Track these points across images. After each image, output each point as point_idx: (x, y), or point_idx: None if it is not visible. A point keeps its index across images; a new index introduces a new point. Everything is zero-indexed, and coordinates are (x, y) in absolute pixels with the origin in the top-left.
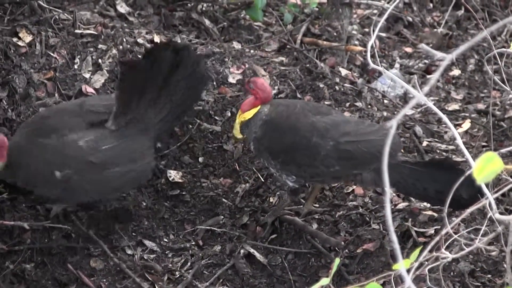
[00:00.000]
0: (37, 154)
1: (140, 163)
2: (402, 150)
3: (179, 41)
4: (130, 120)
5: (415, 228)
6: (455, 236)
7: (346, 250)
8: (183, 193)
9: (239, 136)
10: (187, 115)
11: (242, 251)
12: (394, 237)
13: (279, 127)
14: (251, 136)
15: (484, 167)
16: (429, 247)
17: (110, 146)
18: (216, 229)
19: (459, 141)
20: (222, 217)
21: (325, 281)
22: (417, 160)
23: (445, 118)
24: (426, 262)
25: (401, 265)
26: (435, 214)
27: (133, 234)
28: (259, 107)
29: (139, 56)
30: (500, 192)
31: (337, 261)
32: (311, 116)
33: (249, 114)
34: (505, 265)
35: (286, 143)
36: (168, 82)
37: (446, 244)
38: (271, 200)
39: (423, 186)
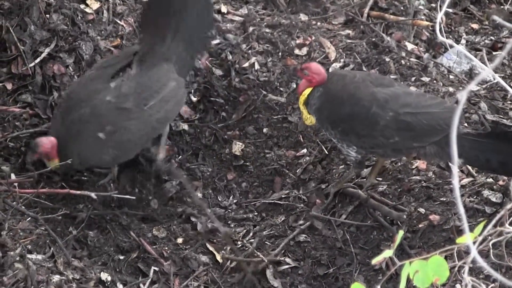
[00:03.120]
0: (77, 131)
1: (171, 87)
2: (466, 125)
3: (245, 11)
4: (148, 50)
5: (477, 206)
6: None
7: (409, 224)
8: (247, 163)
9: (309, 119)
10: (202, 45)
11: (304, 222)
12: (461, 210)
13: (337, 96)
14: (312, 109)
15: None
16: (493, 221)
17: (137, 84)
18: (278, 201)
19: None
20: (286, 190)
21: (388, 253)
22: (479, 131)
23: None
24: (490, 237)
25: (468, 238)
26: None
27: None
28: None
29: None
30: None
31: (400, 233)
32: (371, 87)
33: (307, 91)
34: None
35: (344, 112)
36: (180, 10)
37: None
38: (334, 172)
39: (486, 157)
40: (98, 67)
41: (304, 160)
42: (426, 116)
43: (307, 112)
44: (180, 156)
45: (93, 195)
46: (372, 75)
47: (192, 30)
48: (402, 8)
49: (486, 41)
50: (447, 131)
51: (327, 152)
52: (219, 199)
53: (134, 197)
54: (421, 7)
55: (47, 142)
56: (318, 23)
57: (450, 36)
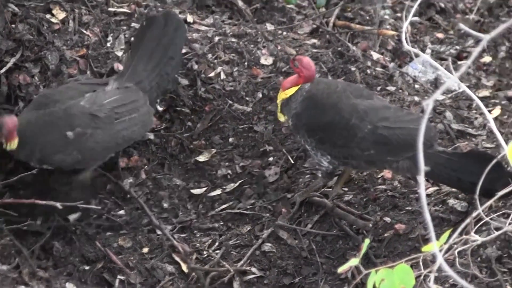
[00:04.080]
0: (46, 122)
1: (142, 111)
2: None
3: (211, 21)
4: (127, 77)
5: (442, 215)
6: (486, 219)
7: (374, 233)
8: (213, 173)
9: (282, 117)
10: (173, 72)
11: (269, 232)
12: (428, 218)
13: (320, 104)
14: (290, 113)
15: None
16: (459, 230)
17: (112, 99)
18: (244, 211)
19: (492, 124)
20: (252, 199)
21: (354, 261)
22: (455, 151)
23: (478, 101)
24: (456, 246)
25: (434, 246)
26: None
27: (161, 212)
28: (300, 85)
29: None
30: None
31: (366, 241)
32: (352, 98)
33: (290, 91)
34: None
35: (324, 121)
36: (156, 42)
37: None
38: (300, 182)
39: (458, 176)
40: (76, 81)
41: (270, 169)
42: (403, 131)
43: (281, 110)
44: (146, 166)
45: (58, 205)
46: (352, 86)
47: (167, 68)
48: (368, 17)
49: (452, 50)
50: (424, 147)
51: (293, 162)
52: (186, 208)
53: (100, 207)
54: (386, 16)
55: (10, 121)
56: (284, 33)
57: (416, 46)
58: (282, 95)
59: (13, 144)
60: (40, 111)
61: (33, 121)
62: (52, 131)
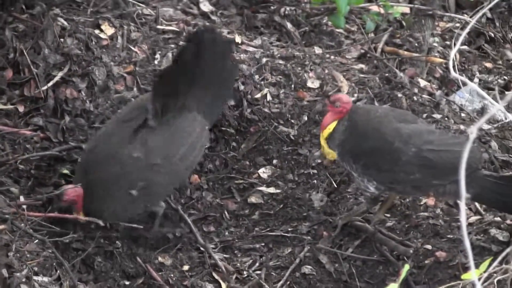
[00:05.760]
0: (107, 187)
1: (195, 134)
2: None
3: (260, 42)
4: (175, 108)
5: (484, 244)
6: None
7: (415, 260)
8: (256, 194)
9: (330, 155)
10: (227, 94)
11: (309, 254)
12: (468, 246)
13: (361, 130)
14: (335, 144)
15: None
16: (499, 258)
17: (159, 139)
18: (285, 234)
19: None
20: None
21: (393, 286)
22: (502, 174)
23: None
24: (495, 274)
25: (473, 274)
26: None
27: (204, 230)
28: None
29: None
30: None
31: (406, 267)
32: (395, 122)
33: (333, 125)
34: None
35: (367, 146)
36: (205, 64)
37: None
38: (342, 206)
39: (504, 200)
40: (116, 122)
41: (315, 194)
42: (448, 154)
43: (328, 147)
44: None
45: (101, 222)
46: (396, 111)
47: (216, 77)
48: (416, 44)
49: (499, 80)
50: (468, 170)
51: (336, 186)
52: (227, 228)
53: (142, 226)
54: (435, 44)
55: (73, 191)
56: (332, 57)
57: (463, 74)
58: (326, 132)
59: (81, 215)
60: (96, 175)
61: (90, 191)
62: (115, 195)
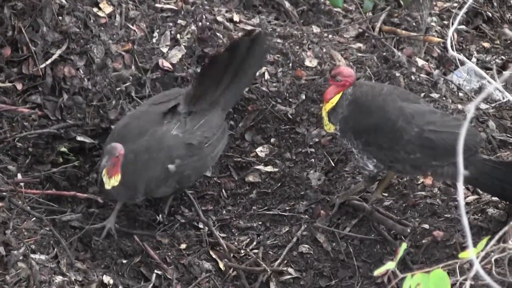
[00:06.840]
0: (146, 158)
1: (222, 130)
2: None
3: (257, 21)
4: (207, 102)
5: (481, 224)
6: None
7: (412, 239)
8: (254, 172)
9: (331, 128)
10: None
11: (308, 234)
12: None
13: (365, 106)
14: (337, 118)
15: None
16: (496, 237)
17: (200, 124)
18: (283, 212)
19: None
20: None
21: (390, 265)
22: (501, 160)
23: None
24: (492, 253)
25: (471, 253)
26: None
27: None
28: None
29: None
30: None
31: (403, 246)
32: (398, 101)
33: (335, 99)
34: None
35: (370, 123)
36: (239, 68)
37: None
38: (340, 184)
39: (502, 186)
40: (149, 104)
41: (310, 171)
42: (450, 136)
43: (328, 119)
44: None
45: (99, 199)
46: (399, 89)
47: (241, 83)
48: (414, 24)
49: (497, 60)
50: (467, 153)
51: (333, 164)
52: (225, 206)
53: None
54: (433, 23)
55: (121, 148)
56: (330, 36)
57: (461, 54)
58: (328, 105)
59: (115, 180)
60: (134, 145)
61: (131, 158)
62: (154, 167)
